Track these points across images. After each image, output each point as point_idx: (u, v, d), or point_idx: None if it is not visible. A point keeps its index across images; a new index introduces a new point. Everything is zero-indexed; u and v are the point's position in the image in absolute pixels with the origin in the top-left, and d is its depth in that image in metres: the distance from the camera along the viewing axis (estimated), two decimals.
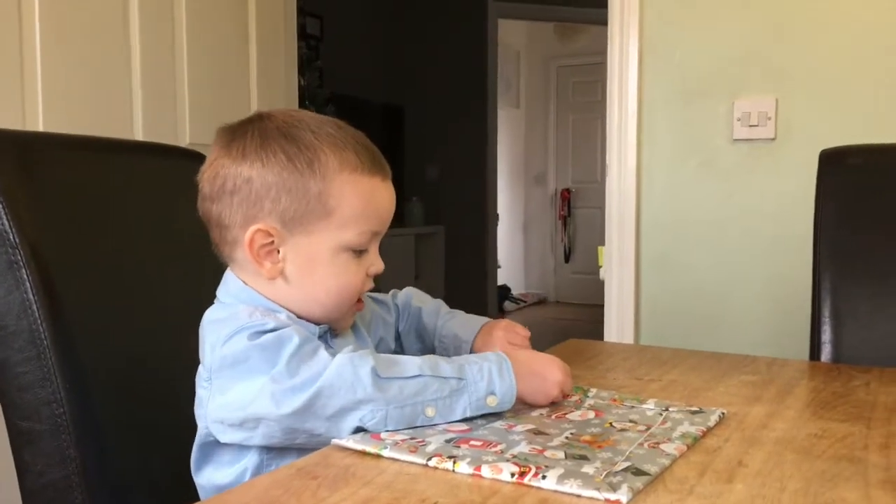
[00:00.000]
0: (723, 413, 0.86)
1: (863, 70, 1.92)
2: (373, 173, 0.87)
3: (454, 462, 0.68)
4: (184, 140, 2.13)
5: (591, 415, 0.84)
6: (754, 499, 0.64)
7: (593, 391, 0.93)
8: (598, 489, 0.62)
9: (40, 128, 1.74)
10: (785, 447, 0.77)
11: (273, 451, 0.81)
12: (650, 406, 0.87)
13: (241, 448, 0.82)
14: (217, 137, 0.88)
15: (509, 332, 1.02)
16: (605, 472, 0.66)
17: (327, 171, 0.84)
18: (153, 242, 1.06)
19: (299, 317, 0.87)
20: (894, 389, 1.01)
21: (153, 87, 2.06)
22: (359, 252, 0.87)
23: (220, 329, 0.81)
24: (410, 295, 1.11)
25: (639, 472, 0.66)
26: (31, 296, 0.84)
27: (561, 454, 0.70)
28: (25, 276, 0.84)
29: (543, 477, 0.65)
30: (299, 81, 2.74)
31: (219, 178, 0.85)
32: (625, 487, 0.63)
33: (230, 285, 0.89)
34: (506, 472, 0.66)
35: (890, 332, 1.25)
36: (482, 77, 5.59)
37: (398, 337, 1.09)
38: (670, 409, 0.86)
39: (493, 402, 0.80)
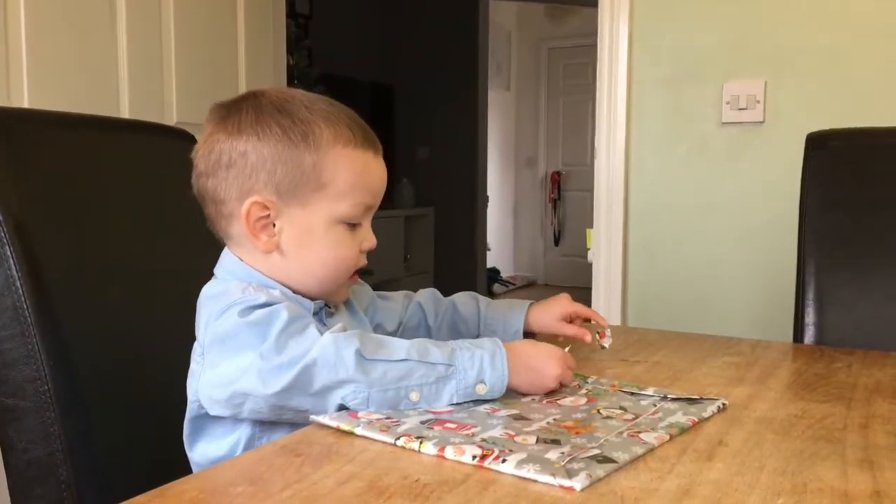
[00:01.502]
0: (724, 403, 0.84)
1: (852, 53, 1.92)
2: (365, 148, 0.88)
3: (420, 442, 0.69)
4: (171, 119, 2.11)
5: (583, 401, 0.83)
6: (733, 477, 0.64)
7: (593, 378, 0.92)
8: (553, 475, 0.62)
9: (25, 104, 1.72)
10: (765, 427, 0.78)
11: (266, 424, 0.82)
12: (649, 393, 0.87)
13: (234, 421, 0.82)
14: (211, 114, 0.89)
15: (575, 304, 1.07)
16: (568, 459, 0.65)
17: (321, 143, 0.85)
18: (138, 220, 1.05)
19: (295, 292, 0.88)
20: (876, 371, 1.02)
21: (140, 65, 2.04)
22: (352, 225, 0.89)
23: (214, 305, 0.82)
24: (433, 293, 1.11)
25: (605, 460, 0.65)
26: (14, 272, 0.84)
27: (532, 439, 0.70)
28: (9, 253, 0.84)
29: (503, 461, 0.65)
30: (288, 60, 2.72)
31: (214, 153, 0.86)
32: (583, 475, 0.62)
33: (226, 262, 0.90)
34: (468, 454, 0.66)
35: (873, 314, 1.27)
36: (473, 58, 5.56)
37: (400, 328, 1.08)
38: (669, 396, 0.85)
39: (482, 391, 0.80)
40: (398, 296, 1.10)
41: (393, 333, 1.06)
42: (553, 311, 1.07)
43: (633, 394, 0.87)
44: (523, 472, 0.63)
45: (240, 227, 0.86)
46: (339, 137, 0.86)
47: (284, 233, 0.86)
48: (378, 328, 1.04)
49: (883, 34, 1.89)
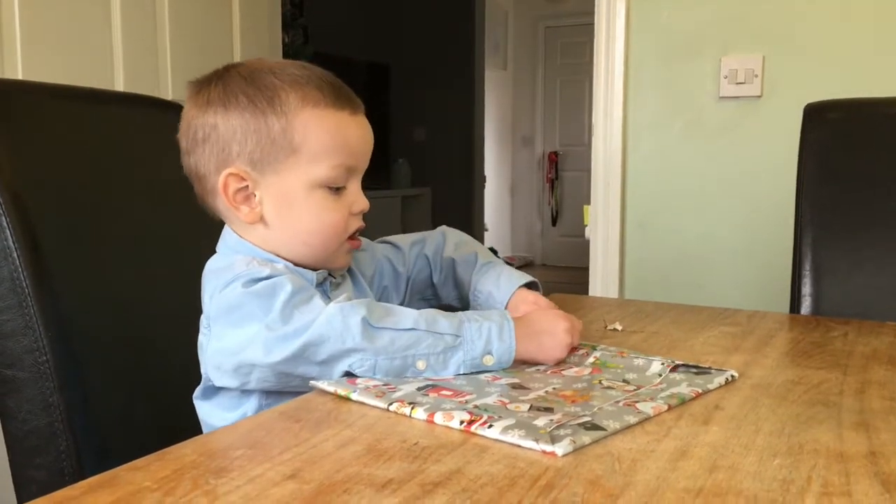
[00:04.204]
0: (732, 375, 0.82)
1: (850, 26, 1.91)
2: (338, 107, 0.86)
3: (412, 408, 0.69)
4: (166, 96, 2.10)
5: (587, 371, 0.83)
6: (729, 440, 0.65)
7: (601, 346, 0.91)
8: (536, 440, 0.62)
9: (19, 76, 1.71)
10: (762, 392, 0.78)
11: (272, 397, 0.82)
12: (656, 359, 0.85)
13: (242, 393, 0.83)
14: (187, 92, 0.89)
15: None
16: (555, 426, 0.65)
17: (288, 107, 0.84)
18: (135, 191, 1.05)
19: (296, 264, 0.87)
20: (872, 340, 1.02)
21: (134, 43, 2.03)
22: (336, 189, 0.87)
23: (219, 277, 0.82)
24: (441, 243, 1.06)
25: (594, 427, 0.65)
26: (11, 243, 0.84)
27: (525, 407, 0.70)
28: (5, 223, 0.84)
29: (490, 426, 0.65)
30: (283, 39, 2.71)
31: (190, 129, 0.87)
32: (566, 441, 0.61)
33: (227, 239, 0.90)
34: (456, 419, 0.66)
35: (869, 285, 1.27)
36: (470, 37, 5.54)
37: (408, 288, 1.05)
38: (677, 363, 0.84)
39: (489, 362, 0.80)
40: (405, 248, 1.05)
41: (403, 296, 1.04)
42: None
43: (636, 359, 0.86)
44: (507, 438, 0.63)
45: (223, 202, 0.86)
46: (307, 99, 0.84)
47: (265, 203, 0.86)
48: (385, 291, 1.03)
49: (881, 7, 1.88)
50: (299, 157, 0.84)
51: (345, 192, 0.88)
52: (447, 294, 1.06)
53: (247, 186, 0.85)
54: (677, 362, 0.85)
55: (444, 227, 1.10)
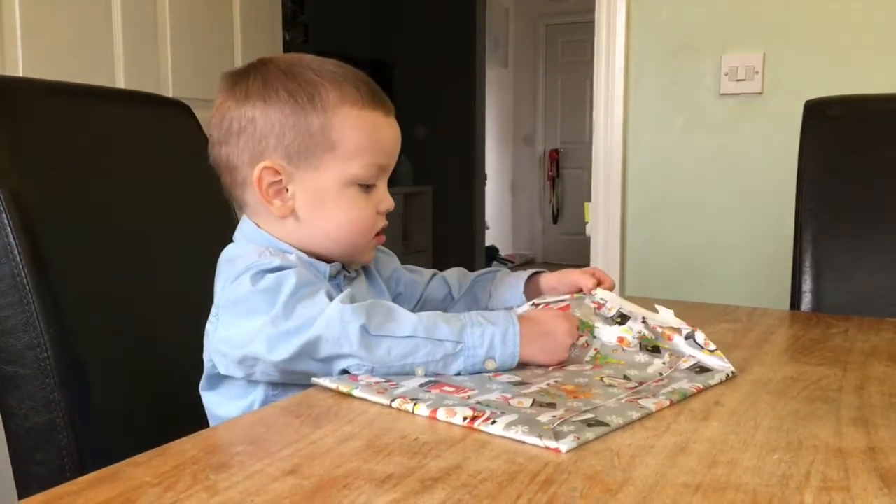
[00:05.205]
0: (732, 372, 0.82)
1: (851, 23, 1.91)
2: (374, 107, 0.88)
3: (415, 405, 0.69)
4: (167, 93, 2.10)
5: (588, 368, 0.83)
6: (728, 435, 0.65)
7: (598, 327, 0.90)
8: (540, 437, 0.61)
9: (20, 73, 1.71)
10: (761, 388, 0.78)
11: (279, 387, 0.83)
12: (657, 357, 0.85)
13: (248, 383, 0.83)
14: (221, 83, 0.89)
15: (586, 274, 1.02)
16: (559, 421, 0.65)
17: (328, 104, 0.85)
18: (135, 188, 1.05)
19: (316, 256, 0.88)
20: (872, 337, 1.02)
21: (135, 41, 2.03)
22: (367, 187, 0.89)
23: (231, 268, 0.83)
24: (457, 271, 1.09)
25: (597, 423, 0.65)
26: (12, 240, 0.84)
27: (528, 402, 0.70)
28: (6, 221, 0.84)
29: (493, 422, 0.64)
30: (284, 37, 2.71)
31: (225, 120, 0.87)
32: (570, 437, 0.61)
33: (244, 228, 0.91)
34: (459, 415, 0.66)
35: (869, 282, 1.27)
36: (471, 35, 5.53)
37: (422, 298, 1.06)
38: (679, 362, 0.84)
39: (491, 366, 0.79)
40: (426, 272, 1.09)
41: (414, 306, 1.05)
42: (565, 281, 1.05)
43: (640, 357, 0.86)
44: (511, 434, 0.63)
45: (254, 194, 0.87)
46: (346, 98, 0.86)
47: (298, 197, 0.87)
48: (399, 297, 1.04)
49: (882, 4, 1.88)
50: (335, 154, 0.86)
51: (374, 190, 0.90)
52: (461, 308, 1.06)
53: (280, 180, 0.86)
54: (680, 360, 0.84)
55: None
